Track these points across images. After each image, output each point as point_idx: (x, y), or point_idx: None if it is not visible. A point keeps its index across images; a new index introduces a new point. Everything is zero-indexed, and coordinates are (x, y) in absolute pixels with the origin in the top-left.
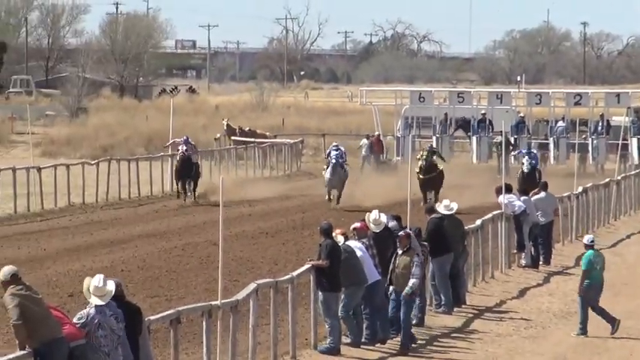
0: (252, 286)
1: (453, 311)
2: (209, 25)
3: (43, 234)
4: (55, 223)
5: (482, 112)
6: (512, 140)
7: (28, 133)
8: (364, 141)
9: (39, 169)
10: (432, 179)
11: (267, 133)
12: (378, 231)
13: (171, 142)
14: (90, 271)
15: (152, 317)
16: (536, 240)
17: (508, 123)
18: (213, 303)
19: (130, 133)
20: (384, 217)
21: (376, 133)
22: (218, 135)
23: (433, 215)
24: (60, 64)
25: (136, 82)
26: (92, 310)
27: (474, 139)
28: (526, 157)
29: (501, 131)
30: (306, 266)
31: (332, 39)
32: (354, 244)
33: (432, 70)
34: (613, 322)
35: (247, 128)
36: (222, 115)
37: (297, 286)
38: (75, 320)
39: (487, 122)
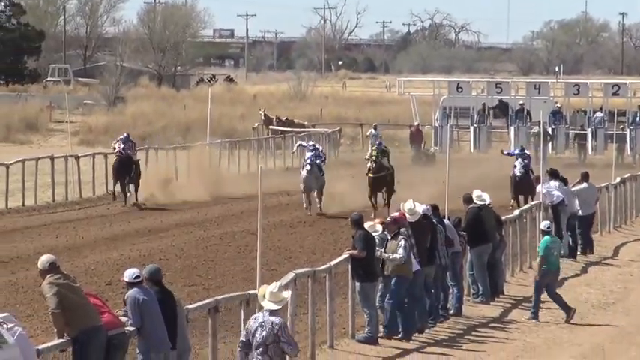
0: (290, 275)
1: (491, 301)
2: (247, 15)
3: (81, 222)
4: (93, 211)
5: (520, 102)
6: (549, 131)
7: (67, 122)
8: (371, 131)
9: (77, 158)
10: (382, 178)
11: (305, 123)
12: (413, 220)
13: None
14: (128, 259)
15: (190, 306)
16: (573, 230)
17: (546, 113)
18: (251, 292)
19: (167, 122)
20: (419, 207)
21: (415, 123)
22: (256, 124)
23: (471, 205)
24: (98, 52)
25: (173, 71)
26: (253, 318)
27: (512, 129)
28: (519, 159)
29: (539, 121)
30: (344, 256)
31: (370, 29)
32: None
33: (470, 60)
34: (568, 310)
35: (284, 118)
36: (259, 104)
37: (335, 275)
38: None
39: (525, 112)
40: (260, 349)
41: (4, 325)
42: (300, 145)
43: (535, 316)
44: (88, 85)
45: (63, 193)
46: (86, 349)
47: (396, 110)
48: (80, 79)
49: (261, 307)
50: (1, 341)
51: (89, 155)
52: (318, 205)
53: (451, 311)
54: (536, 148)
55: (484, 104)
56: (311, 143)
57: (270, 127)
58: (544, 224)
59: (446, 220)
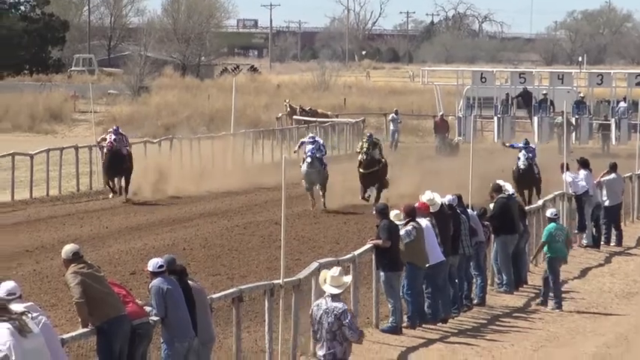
0: (313, 265)
1: (515, 291)
2: (271, 5)
3: (105, 212)
4: (117, 201)
5: (544, 92)
6: (573, 121)
7: (91, 112)
8: (392, 115)
9: (101, 148)
10: (373, 174)
11: (329, 113)
12: (433, 210)
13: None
14: (152, 249)
15: (214, 295)
16: (597, 221)
17: (569, 103)
18: (275, 281)
19: (191, 112)
20: (437, 197)
21: (440, 113)
22: (280, 114)
23: (500, 195)
24: (122, 43)
25: (197, 61)
26: (316, 305)
27: (536, 119)
28: (522, 151)
29: (562, 111)
30: (368, 245)
31: (394, 19)
32: (423, 222)
33: (494, 50)
34: (546, 300)
35: (308, 108)
36: (283, 94)
37: (359, 265)
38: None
39: (548, 103)
40: (328, 336)
41: (29, 315)
42: (302, 143)
43: (559, 305)
44: (112, 75)
45: (87, 182)
46: (110, 339)
47: (419, 100)
48: (104, 69)
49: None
50: (25, 330)
51: None
52: (322, 200)
53: (475, 301)
54: (560, 138)
55: (508, 94)
56: (310, 135)
57: (294, 117)
58: (550, 211)
59: (470, 210)
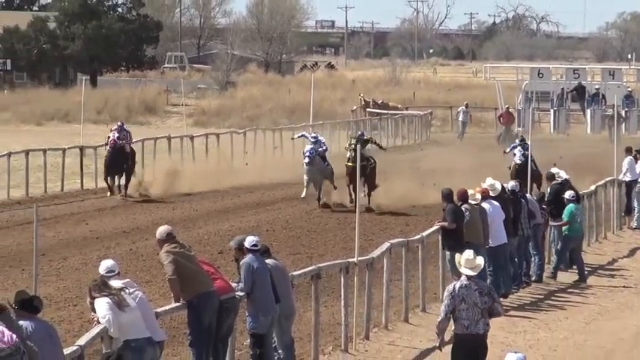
0: (385, 245)
1: (569, 269)
2: (347, 7)
3: (195, 196)
4: (206, 185)
5: (596, 87)
6: (622, 113)
7: (182, 105)
8: (462, 108)
9: (192, 138)
10: (361, 168)
11: (399, 105)
12: (494, 195)
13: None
14: (238, 230)
15: (295, 273)
16: None
17: (619, 97)
18: (350, 260)
19: (273, 105)
20: (497, 184)
21: (505, 106)
22: (354, 107)
23: (554, 182)
24: (210, 41)
25: (279, 58)
26: (458, 284)
27: (588, 112)
28: (518, 147)
29: (613, 104)
30: (435, 227)
31: (458, 19)
32: (492, 204)
33: (550, 48)
34: (584, 277)
35: (380, 101)
36: (358, 89)
37: (427, 245)
38: (446, 294)
39: (600, 96)
40: (483, 313)
41: (126, 290)
42: (303, 135)
43: (554, 276)
44: (202, 71)
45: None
46: (200, 313)
47: (482, 94)
48: (194, 65)
49: (392, 270)
50: (123, 304)
51: (202, 135)
52: (318, 200)
53: (533, 278)
54: (610, 128)
55: (563, 89)
56: (313, 134)
57: (368, 109)
58: (569, 193)
59: (528, 195)
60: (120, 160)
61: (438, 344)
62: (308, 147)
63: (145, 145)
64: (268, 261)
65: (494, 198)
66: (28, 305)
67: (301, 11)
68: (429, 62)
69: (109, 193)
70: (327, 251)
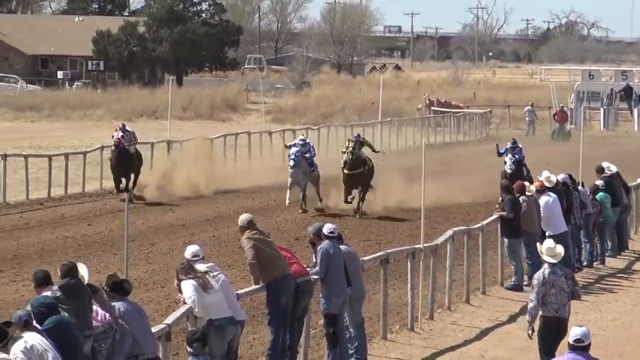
0: (448, 232)
1: (618, 255)
2: (412, 13)
3: (272, 188)
4: (283, 178)
5: None
6: None
7: (261, 103)
8: (528, 108)
9: (270, 133)
10: (358, 175)
11: (461, 104)
12: (550, 186)
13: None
14: (312, 218)
15: (365, 258)
16: None
17: None
18: (416, 246)
19: (345, 104)
20: (553, 177)
21: (560, 105)
22: (420, 106)
23: (603, 175)
24: (287, 45)
25: (350, 60)
26: (547, 271)
27: (635, 110)
28: (509, 154)
29: None
30: (494, 216)
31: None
32: (551, 196)
33: (600, 52)
34: (603, 257)
35: (443, 100)
36: (423, 89)
37: (487, 233)
38: (535, 282)
39: None
40: (568, 297)
41: (210, 273)
42: (293, 145)
43: (603, 261)
44: (279, 72)
45: (259, 162)
46: (277, 294)
47: (537, 94)
48: (272, 67)
49: (455, 255)
50: (207, 287)
51: (279, 131)
52: (319, 200)
53: (584, 263)
54: None
55: (612, 89)
56: (301, 138)
57: (432, 108)
58: (599, 182)
59: (580, 187)
60: (126, 161)
61: (529, 331)
62: (294, 150)
63: (227, 139)
64: (341, 247)
65: (549, 190)
66: (119, 288)
67: (371, 17)
68: (488, 64)
69: (120, 194)
70: (394, 238)
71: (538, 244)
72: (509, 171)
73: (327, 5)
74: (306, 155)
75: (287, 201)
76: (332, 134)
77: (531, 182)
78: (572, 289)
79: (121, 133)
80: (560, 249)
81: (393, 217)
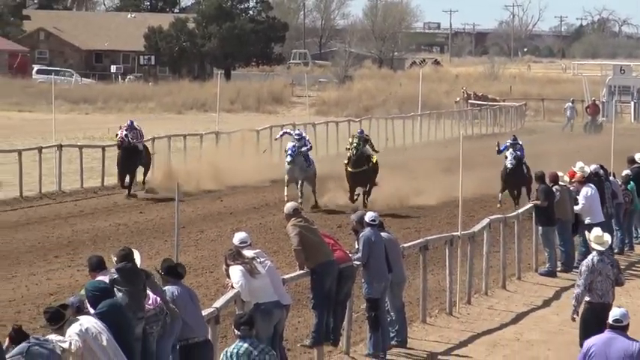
0: (485, 220)
1: None
2: (451, 10)
3: (317, 177)
4: (324, 167)
5: None
6: None
7: (305, 96)
8: (568, 104)
9: (314, 125)
10: (362, 173)
11: (497, 98)
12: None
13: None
14: (355, 207)
15: (405, 245)
16: None
17: None
18: (454, 234)
19: (386, 97)
20: (586, 167)
21: (592, 98)
22: (458, 99)
23: (634, 166)
24: (331, 40)
25: (391, 55)
26: (596, 258)
27: None
28: (510, 150)
29: None
30: (529, 205)
31: (550, 22)
32: (591, 187)
33: (631, 48)
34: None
35: (480, 94)
36: (461, 83)
37: (522, 221)
38: (584, 269)
39: None
40: (612, 283)
41: (257, 259)
42: (286, 132)
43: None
44: (323, 66)
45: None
46: (321, 279)
47: (570, 88)
48: (316, 61)
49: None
50: (254, 272)
51: (323, 123)
52: (313, 198)
53: (615, 250)
54: None
55: None
56: (297, 132)
57: (470, 101)
58: (625, 172)
59: (611, 178)
60: (133, 159)
61: (574, 315)
62: (290, 144)
63: (273, 130)
64: (382, 234)
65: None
66: (174, 271)
67: (411, 14)
68: (523, 60)
69: (125, 191)
70: (433, 226)
71: (586, 232)
72: (509, 166)
73: (369, 2)
74: (302, 149)
75: (285, 197)
76: (373, 125)
77: (531, 180)
78: (617, 276)
79: (124, 132)
80: (607, 237)
81: (431, 205)
